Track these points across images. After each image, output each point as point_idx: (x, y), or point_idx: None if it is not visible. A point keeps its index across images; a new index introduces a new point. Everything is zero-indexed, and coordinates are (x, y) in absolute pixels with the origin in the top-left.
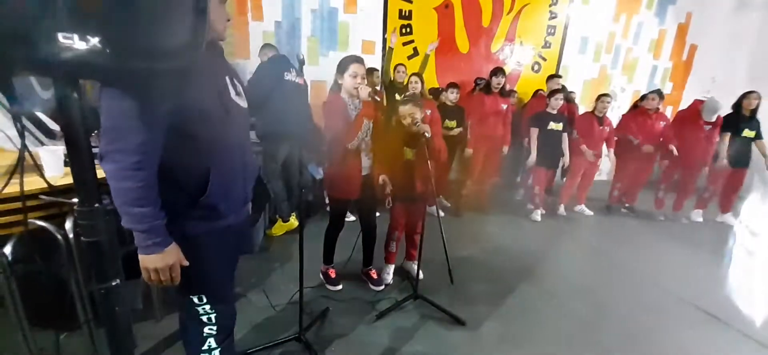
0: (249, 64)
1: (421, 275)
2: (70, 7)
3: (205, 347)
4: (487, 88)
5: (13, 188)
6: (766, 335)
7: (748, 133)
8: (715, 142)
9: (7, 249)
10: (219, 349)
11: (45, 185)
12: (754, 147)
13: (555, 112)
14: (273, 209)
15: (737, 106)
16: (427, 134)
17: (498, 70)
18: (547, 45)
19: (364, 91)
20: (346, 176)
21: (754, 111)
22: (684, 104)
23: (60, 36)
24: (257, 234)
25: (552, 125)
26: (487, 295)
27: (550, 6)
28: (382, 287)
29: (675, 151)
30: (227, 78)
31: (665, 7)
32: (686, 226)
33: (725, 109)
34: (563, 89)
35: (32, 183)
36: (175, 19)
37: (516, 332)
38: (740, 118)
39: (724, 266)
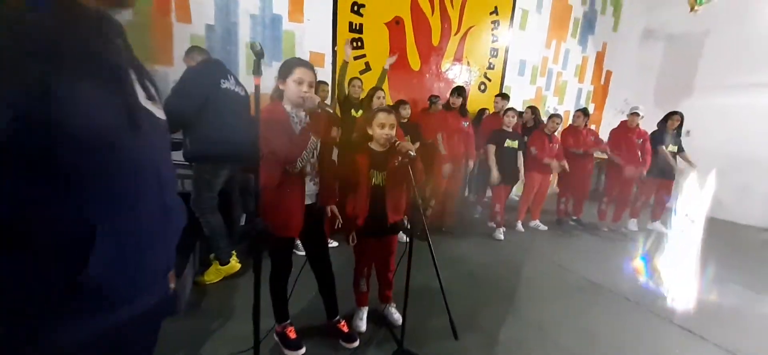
0: (171, 73)
1: (399, 318)
2: None
3: None
4: (448, 106)
5: None
6: (722, 337)
7: (671, 148)
8: (648, 156)
9: None
10: None
11: None
12: (679, 160)
13: (510, 129)
14: (205, 248)
15: (663, 123)
16: (411, 153)
17: (457, 89)
18: (491, 66)
19: (312, 101)
20: (285, 207)
21: (677, 129)
22: (603, 123)
23: None
24: (183, 286)
25: (508, 142)
26: (475, 333)
27: (492, 30)
28: (357, 343)
29: (619, 161)
30: (133, 73)
31: (586, 36)
32: (626, 235)
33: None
34: (535, 110)
35: None
36: None
37: None
38: (665, 135)
39: (675, 272)
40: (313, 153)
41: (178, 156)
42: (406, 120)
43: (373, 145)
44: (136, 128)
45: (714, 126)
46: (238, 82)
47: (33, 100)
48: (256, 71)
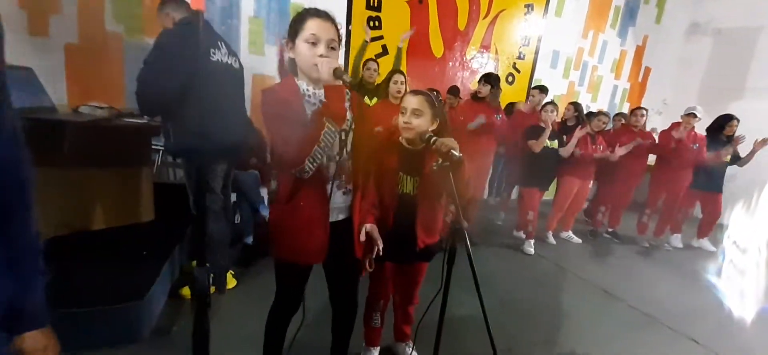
0: None
1: None
2: None
3: None
4: (474, 96)
5: None
6: None
7: (726, 157)
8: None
9: None
10: None
11: None
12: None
13: (549, 126)
14: (186, 257)
15: (716, 129)
16: (455, 153)
17: (485, 76)
18: (521, 56)
19: (325, 68)
20: (301, 224)
21: (732, 136)
22: None
23: None
24: (148, 308)
25: (546, 142)
26: None
27: (525, 15)
28: None
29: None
30: None
31: (626, 28)
32: (671, 253)
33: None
34: (578, 107)
35: None
36: None
37: None
38: (717, 141)
39: (729, 302)
40: (335, 147)
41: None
42: None
43: (404, 142)
44: None
45: None
46: (231, 53)
47: None
48: None
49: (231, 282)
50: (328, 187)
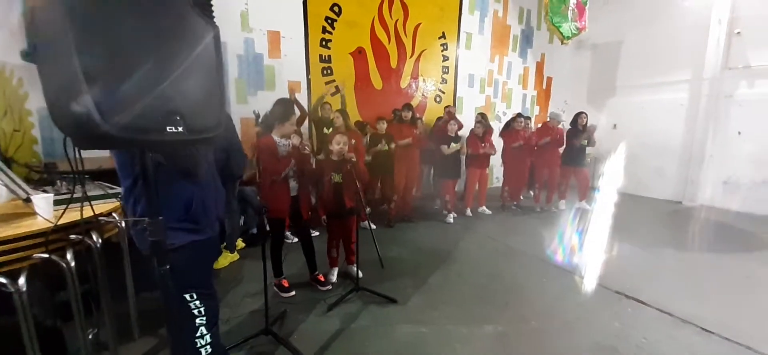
0: None
1: (360, 274)
2: (172, 111)
3: (198, 334)
4: (400, 118)
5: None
6: (612, 281)
7: (583, 142)
8: (561, 150)
9: (21, 281)
10: (209, 334)
11: (42, 226)
12: (589, 150)
13: (453, 134)
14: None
15: (574, 122)
16: (352, 159)
17: (406, 106)
18: (444, 81)
19: (296, 139)
20: (280, 200)
21: (584, 126)
22: None
23: (168, 128)
24: None
25: (453, 145)
26: (412, 281)
27: (442, 51)
28: (329, 287)
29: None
30: None
31: (525, 50)
32: (556, 213)
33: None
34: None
35: (27, 226)
36: (214, 102)
37: (434, 301)
38: (577, 131)
39: (582, 238)
40: (293, 168)
41: None
42: (383, 132)
43: (334, 156)
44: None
45: (633, 120)
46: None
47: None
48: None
49: (240, 245)
50: (290, 182)
